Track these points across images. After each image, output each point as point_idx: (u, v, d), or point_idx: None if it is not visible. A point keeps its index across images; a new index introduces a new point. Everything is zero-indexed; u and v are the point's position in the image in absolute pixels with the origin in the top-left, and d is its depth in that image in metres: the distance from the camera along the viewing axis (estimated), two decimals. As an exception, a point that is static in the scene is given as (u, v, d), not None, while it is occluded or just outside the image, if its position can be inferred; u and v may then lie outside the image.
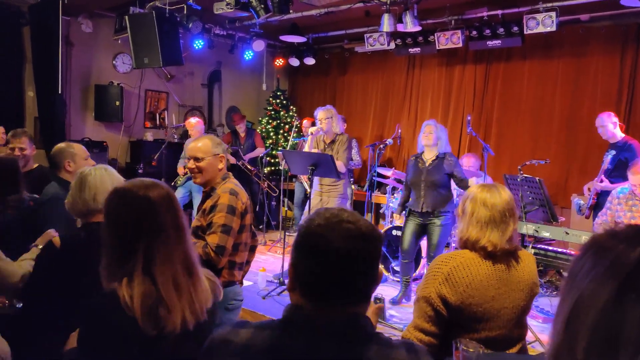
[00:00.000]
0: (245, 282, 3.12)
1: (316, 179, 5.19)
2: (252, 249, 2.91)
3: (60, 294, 1.92)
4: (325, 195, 5.22)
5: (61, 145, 3.07)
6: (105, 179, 2.13)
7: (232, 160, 7.08)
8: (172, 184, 6.45)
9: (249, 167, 6.90)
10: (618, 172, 4.68)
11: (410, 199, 4.73)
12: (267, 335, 1.12)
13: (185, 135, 7.69)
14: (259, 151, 7.46)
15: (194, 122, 6.61)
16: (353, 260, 1.10)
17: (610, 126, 4.88)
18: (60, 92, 6.40)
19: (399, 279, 4.97)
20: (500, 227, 2.00)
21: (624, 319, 0.62)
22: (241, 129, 7.55)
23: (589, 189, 5.03)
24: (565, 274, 0.76)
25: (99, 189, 2.07)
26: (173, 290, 1.46)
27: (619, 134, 4.91)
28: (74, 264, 1.97)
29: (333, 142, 5.19)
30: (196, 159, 2.60)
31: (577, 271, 0.71)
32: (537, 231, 4.30)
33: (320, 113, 5.16)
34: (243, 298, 2.73)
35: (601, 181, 4.66)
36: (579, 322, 0.66)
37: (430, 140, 4.54)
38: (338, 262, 1.09)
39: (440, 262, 2.03)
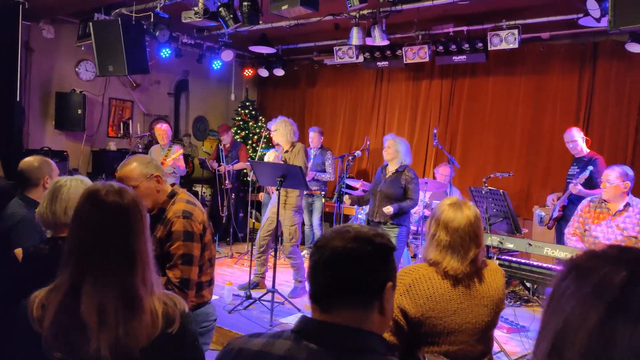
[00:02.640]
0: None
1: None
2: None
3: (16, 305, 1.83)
4: (282, 208, 5.20)
5: (36, 161, 2.79)
6: (80, 191, 1.97)
7: (215, 165, 7.13)
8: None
9: (221, 172, 6.85)
10: (584, 186, 4.79)
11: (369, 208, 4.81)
12: (280, 344, 1.14)
13: (149, 144, 7.54)
14: (241, 165, 7.28)
15: (164, 128, 6.50)
16: (350, 259, 1.12)
17: (580, 141, 5.05)
18: (18, 100, 6.18)
19: None
20: (460, 252, 1.96)
21: (615, 341, 0.61)
22: (226, 139, 7.44)
23: (554, 200, 5.17)
24: (544, 297, 0.75)
25: (71, 202, 1.96)
26: (95, 318, 1.30)
27: (585, 149, 5.08)
28: (34, 277, 1.88)
29: (286, 152, 5.24)
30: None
31: (560, 294, 0.70)
32: (501, 242, 4.38)
33: (271, 126, 5.29)
34: (216, 316, 2.58)
35: (576, 185, 4.80)
36: (567, 347, 0.65)
37: (389, 155, 4.73)
38: (334, 260, 1.13)
39: (403, 274, 2.02)
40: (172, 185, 2.48)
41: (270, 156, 5.41)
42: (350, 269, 1.13)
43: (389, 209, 4.58)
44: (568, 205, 4.94)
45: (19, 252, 1.96)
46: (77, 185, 2.06)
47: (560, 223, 5.00)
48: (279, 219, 5.16)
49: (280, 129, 5.19)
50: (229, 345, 1.22)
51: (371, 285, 1.14)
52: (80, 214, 1.41)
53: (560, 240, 4.82)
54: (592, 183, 4.78)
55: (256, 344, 1.16)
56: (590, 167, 4.73)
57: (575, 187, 4.80)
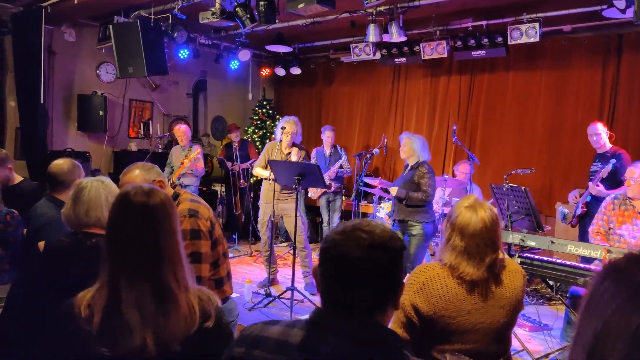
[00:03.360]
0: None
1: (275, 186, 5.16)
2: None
3: (40, 296, 1.89)
4: (282, 202, 5.22)
5: (67, 164, 2.89)
6: (100, 193, 2.08)
7: (229, 164, 7.20)
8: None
9: (235, 171, 6.88)
10: (608, 182, 4.70)
11: None
12: (296, 333, 1.16)
13: (169, 145, 7.62)
14: (250, 164, 7.34)
15: (184, 129, 6.57)
16: (369, 270, 1.13)
17: (604, 135, 4.93)
18: (42, 102, 6.30)
19: None
20: (475, 258, 1.93)
21: None
22: (236, 139, 7.50)
23: (576, 197, 5.06)
24: (582, 301, 0.73)
25: (92, 204, 2.05)
26: (136, 315, 1.37)
27: (608, 144, 4.96)
28: (54, 269, 1.94)
29: (289, 154, 5.23)
30: None
31: (598, 298, 0.68)
32: (523, 240, 4.31)
33: (286, 124, 5.19)
34: (238, 312, 2.63)
35: (597, 185, 4.69)
36: (607, 352, 0.63)
37: (404, 153, 4.70)
38: (352, 272, 1.13)
39: (417, 272, 2.02)
40: (173, 187, 2.55)
41: (293, 157, 5.34)
42: (370, 280, 1.13)
43: (393, 190, 4.56)
44: (591, 202, 4.84)
45: (41, 244, 2.00)
46: (97, 186, 2.10)
47: (584, 220, 4.90)
48: (282, 214, 5.22)
49: (297, 129, 5.17)
50: (245, 332, 1.24)
51: (389, 289, 1.17)
52: (113, 215, 1.50)
53: (584, 237, 4.72)
54: (615, 179, 4.67)
55: (274, 332, 1.18)
56: (614, 161, 4.61)
57: (595, 188, 4.67)
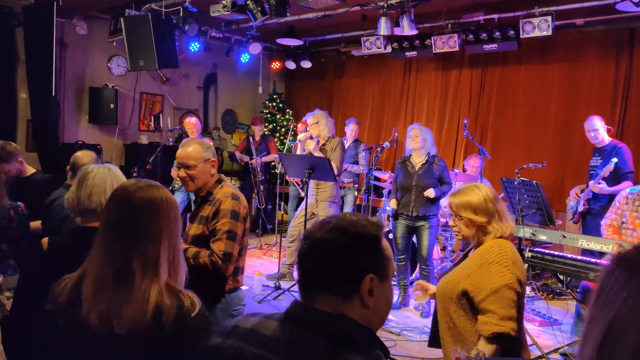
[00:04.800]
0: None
1: (310, 182, 5.19)
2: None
3: (43, 293, 1.90)
4: (317, 199, 5.22)
5: (84, 154, 2.97)
6: (106, 179, 2.06)
7: (246, 159, 7.23)
8: (170, 188, 6.41)
9: (254, 165, 6.90)
10: (609, 178, 4.61)
11: (399, 202, 4.74)
12: (271, 324, 1.17)
13: (180, 138, 7.65)
14: (270, 157, 7.37)
15: (194, 122, 6.59)
16: (324, 250, 1.14)
17: (602, 130, 4.81)
18: (53, 95, 6.35)
19: (395, 283, 4.96)
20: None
21: None
22: (258, 132, 7.53)
23: (577, 194, 5.00)
24: (592, 293, 0.72)
25: (96, 189, 2.02)
26: (90, 286, 1.41)
27: (607, 138, 4.84)
28: (56, 266, 1.94)
29: (324, 145, 5.19)
30: (187, 167, 2.47)
31: (608, 290, 0.67)
32: (534, 234, 4.28)
33: (309, 119, 5.24)
34: (245, 303, 2.69)
35: (599, 183, 4.63)
36: (616, 344, 0.63)
37: (417, 144, 4.66)
38: (312, 250, 1.15)
39: (499, 250, 2.12)
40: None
41: (310, 145, 5.33)
42: (324, 259, 1.13)
43: (431, 192, 4.57)
44: (592, 199, 4.75)
45: (45, 241, 2.01)
46: (103, 172, 2.09)
47: (585, 217, 4.82)
48: (314, 210, 5.20)
49: (322, 122, 5.18)
50: (225, 322, 1.26)
51: (345, 276, 1.13)
52: (107, 203, 1.56)
53: (586, 234, 4.67)
54: (617, 175, 4.58)
55: (251, 321, 1.20)
56: (615, 160, 4.54)
57: (597, 186, 4.59)
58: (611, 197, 4.55)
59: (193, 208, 2.63)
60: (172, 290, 1.46)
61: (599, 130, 4.81)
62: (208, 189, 2.54)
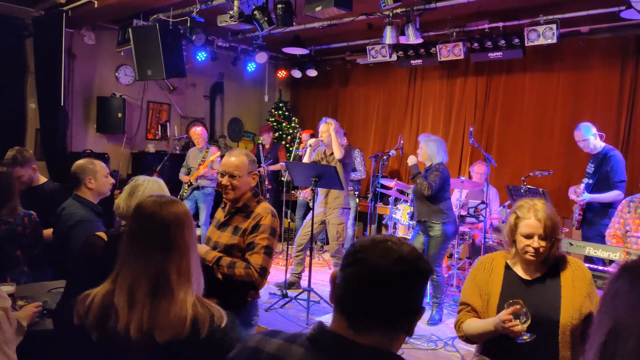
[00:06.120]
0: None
1: (319, 190, 5.21)
2: None
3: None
4: (328, 207, 5.23)
5: (82, 162, 3.03)
6: (155, 191, 2.21)
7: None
8: (178, 196, 6.45)
9: (262, 174, 6.91)
10: (597, 187, 4.58)
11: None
12: (294, 350, 1.10)
13: (187, 146, 7.70)
14: (277, 166, 7.41)
15: (200, 131, 6.64)
16: (394, 282, 1.06)
17: (592, 139, 4.71)
18: (62, 104, 6.42)
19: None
20: None
21: None
22: (267, 140, 7.58)
23: (575, 192, 4.93)
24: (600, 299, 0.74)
25: None
26: (125, 298, 1.43)
27: (600, 144, 4.75)
28: (105, 261, 2.00)
29: (332, 154, 5.22)
30: (231, 176, 2.52)
31: (612, 295, 0.69)
32: (541, 242, 4.29)
33: (321, 126, 5.27)
34: (259, 314, 2.71)
35: (580, 201, 4.59)
36: (619, 346, 0.64)
37: (420, 157, 4.69)
38: (376, 279, 1.06)
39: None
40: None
41: (307, 156, 5.38)
42: (394, 292, 1.06)
43: (410, 158, 4.64)
44: (587, 208, 4.68)
45: (103, 235, 2.12)
46: (152, 185, 2.27)
47: (583, 226, 4.74)
48: (324, 219, 5.21)
49: (332, 131, 5.19)
50: (244, 343, 1.20)
51: (411, 310, 1.09)
52: (138, 211, 1.60)
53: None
54: (608, 183, 4.53)
55: (272, 346, 1.13)
56: (590, 181, 4.52)
57: (581, 201, 4.53)
58: (603, 205, 4.53)
59: (224, 216, 2.63)
60: (201, 300, 1.51)
61: (588, 140, 4.70)
62: (245, 200, 2.58)
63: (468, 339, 2.19)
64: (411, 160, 4.64)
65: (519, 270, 2.17)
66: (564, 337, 2.01)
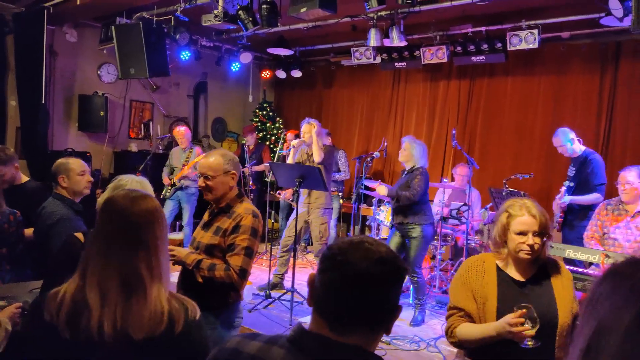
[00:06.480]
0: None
1: (301, 191, 5.20)
2: None
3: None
4: (310, 207, 5.24)
5: (60, 160, 3.02)
6: (137, 187, 2.19)
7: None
8: (161, 196, 6.39)
9: (246, 174, 6.87)
10: (578, 190, 4.65)
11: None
12: (275, 352, 1.10)
13: (170, 146, 7.64)
14: (261, 167, 7.38)
15: (183, 131, 6.60)
16: (376, 283, 1.07)
17: (569, 144, 4.77)
18: (43, 102, 6.32)
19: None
20: None
21: None
22: (250, 141, 7.54)
23: (560, 191, 5.02)
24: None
25: None
26: (96, 295, 1.41)
27: (579, 148, 4.82)
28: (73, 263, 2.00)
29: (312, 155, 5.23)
30: (206, 177, 2.50)
31: (596, 298, 0.71)
32: (521, 244, 4.34)
33: (304, 126, 5.26)
34: (242, 316, 2.70)
35: (561, 204, 4.67)
36: (602, 348, 0.66)
37: (403, 157, 4.69)
38: (358, 282, 1.06)
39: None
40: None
41: (291, 156, 5.38)
42: (375, 293, 1.07)
43: (383, 189, 4.59)
44: (569, 210, 4.74)
45: (80, 235, 2.14)
46: (135, 184, 2.28)
47: (564, 229, 4.79)
48: (306, 219, 5.21)
49: (314, 133, 5.17)
50: (222, 345, 1.20)
51: (390, 309, 1.10)
52: (105, 208, 1.58)
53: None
54: (588, 186, 4.61)
55: (252, 348, 1.13)
56: (571, 186, 4.59)
57: (560, 205, 4.61)
58: (582, 207, 4.61)
59: (206, 216, 2.63)
60: (174, 295, 1.51)
61: (566, 145, 4.77)
62: (228, 201, 2.55)
63: (462, 344, 2.11)
64: (382, 190, 4.61)
65: (511, 271, 2.13)
66: (560, 338, 2.00)
